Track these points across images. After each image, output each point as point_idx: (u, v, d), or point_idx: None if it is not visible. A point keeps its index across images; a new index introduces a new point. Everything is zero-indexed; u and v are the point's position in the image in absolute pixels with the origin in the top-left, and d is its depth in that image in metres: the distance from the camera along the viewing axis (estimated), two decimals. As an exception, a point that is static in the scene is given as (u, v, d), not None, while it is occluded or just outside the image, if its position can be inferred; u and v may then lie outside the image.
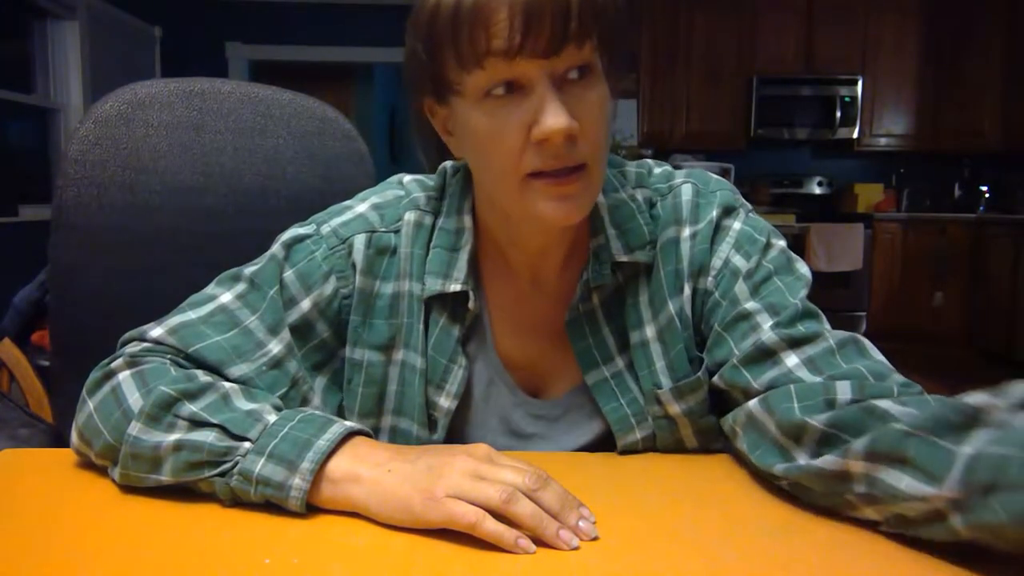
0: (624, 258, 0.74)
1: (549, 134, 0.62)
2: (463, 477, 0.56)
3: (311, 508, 0.59)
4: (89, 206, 0.99)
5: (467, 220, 0.76)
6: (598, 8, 0.63)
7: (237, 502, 0.60)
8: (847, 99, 5.19)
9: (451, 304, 0.75)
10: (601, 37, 0.65)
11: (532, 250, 0.75)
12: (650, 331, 0.75)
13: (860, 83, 5.18)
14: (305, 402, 0.73)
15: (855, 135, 5.21)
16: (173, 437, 0.61)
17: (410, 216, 0.76)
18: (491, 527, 0.54)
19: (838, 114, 5.19)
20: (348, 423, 0.63)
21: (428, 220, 0.77)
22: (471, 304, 0.74)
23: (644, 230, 0.75)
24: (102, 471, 0.66)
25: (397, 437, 0.77)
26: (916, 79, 5.20)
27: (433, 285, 0.74)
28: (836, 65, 5.20)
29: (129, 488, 0.63)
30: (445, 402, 0.76)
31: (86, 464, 0.67)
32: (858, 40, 5.18)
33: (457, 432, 0.78)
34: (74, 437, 0.67)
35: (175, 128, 1.02)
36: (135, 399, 0.63)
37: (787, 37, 5.20)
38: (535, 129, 0.63)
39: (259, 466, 0.59)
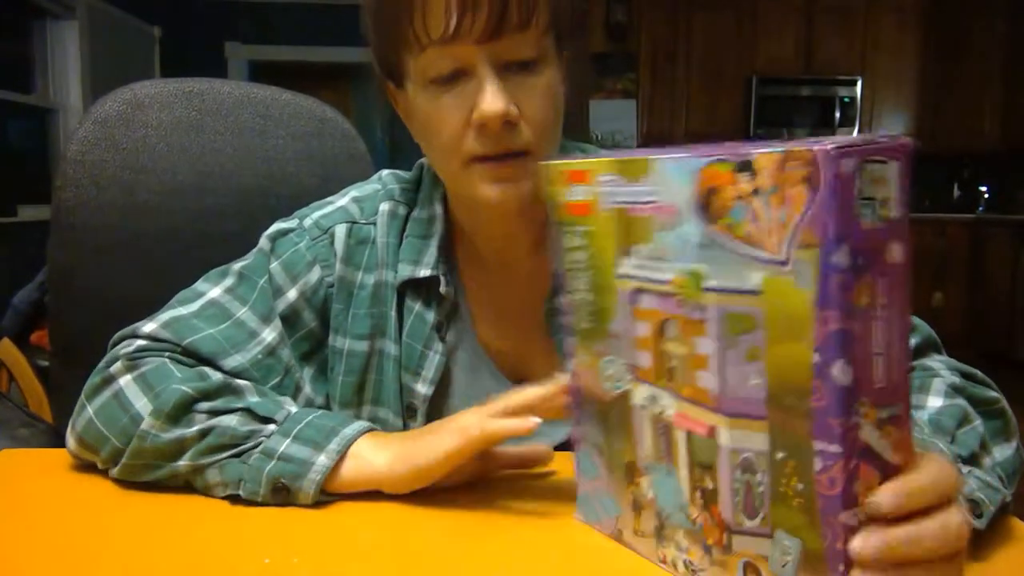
0: None
1: (486, 118, 0.63)
2: (465, 413, 0.61)
3: (315, 505, 0.59)
4: (88, 206, 0.99)
5: (438, 209, 0.77)
6: None
7: (237, 491, 0.60)
8: (846, 99, 5.19)
9: (425, 291, 0.77)
10: (549, 24, 0.65)
11: (496, 236, 0.76)
12: None
13: (859, 83, 5.18)
14: (298, 391, 0.74)
15: (855, 135, 5.21)
16: (196, 428, 0.62)
17: (384, 207, 0.78)
18: (496, 425, 0.58)
19: (837, 114, 5.19)
20: (368, 422, 0.65)
21: (402, 210, 0.78)
22: (443, 289, 0.75)
23: None
24: (101, 471, 0.65)
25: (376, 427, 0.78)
26: (916, 79, 5.20)
27: (404, 271, 0.76)
28: (835, 65, 5.20)
29: (129, 488, 0.63)
30: (422, 388, 0.77)
31: (86, 465, 0.67)
32: (857, 40, 5.19)
33: (441, 418, 0.79)
34: (71, 442, 0.66)
35: (174, 128, 1.02)
36: (143, 404, 0.63)
37: (787, 37, 5.20)
38: (474, 113, 0.64)
39: (284, 445, 0.60)
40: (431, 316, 0.77)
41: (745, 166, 0.39)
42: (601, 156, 0.80)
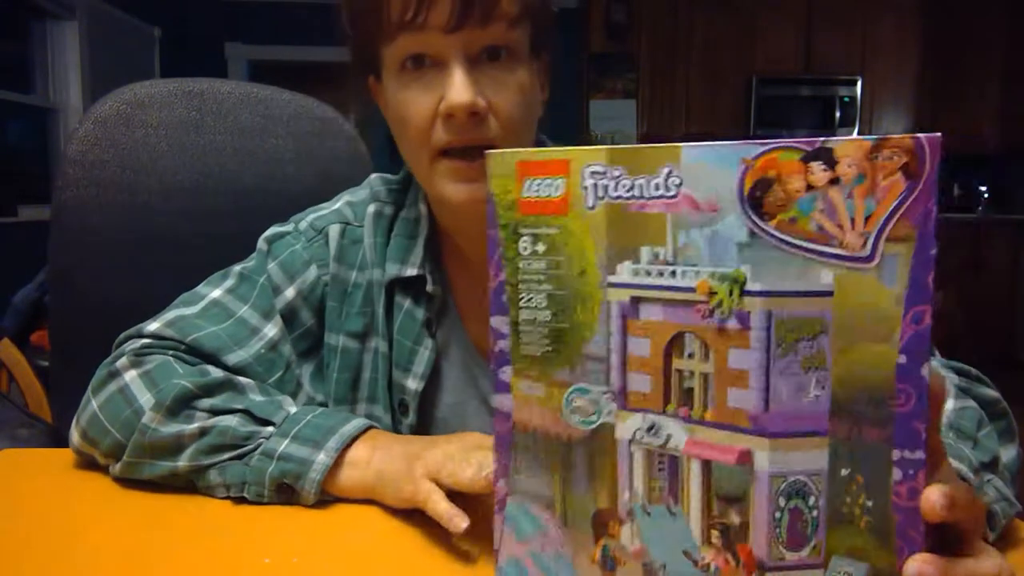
0: None
1: (453, 109, 0.64)
2: (443, 458, 0.56)
3: (315, 505, 0.59)
4: (88, 206, 0.99)
5: (423, 208, 0.78)
6: None
7: (241, 493, 0.60)
8: (846, 99, 5.19)
9: (413, 289, 0.77)
10: (519, 17, 0.65)
11: (474, 235, 0.76)
12: None
13: (859, 83, 5.18)
14: (299, 387, 0.75)
15: (855, 135, 5.20)
16: (196, 425, 0.62)
17: (371, 208, 0.79)
18: (435, 506, 0.54)
19: (837, 115, 5.19)
20: (366, 419, 0.64)
21: (388, 210, 0.79)
22: (429, 288, 0.76)
23: None
24: (102, 471, 0.66)
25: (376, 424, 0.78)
26: (915, 79, 5.20)
27: (391, 270, 0.77)
28: (835, 65, 5.20)
29: (129, 488, 0.63)
30: (412, 384, 0.77)
31: (86, 464, 0.67)
32: (857, 40, 5.18)
33: (438, 417, 0.79)
34: (75, 437, 0.66)
35: (174, 128, 1.02)
36: (146, 399, 0.64)
37: (786, 37, 5.20)
38: (442, 104, 0.65)
39: (283, 445, 0.60)
40: (420, 313, 0.77)
41: (820, 154, 0.35)
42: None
